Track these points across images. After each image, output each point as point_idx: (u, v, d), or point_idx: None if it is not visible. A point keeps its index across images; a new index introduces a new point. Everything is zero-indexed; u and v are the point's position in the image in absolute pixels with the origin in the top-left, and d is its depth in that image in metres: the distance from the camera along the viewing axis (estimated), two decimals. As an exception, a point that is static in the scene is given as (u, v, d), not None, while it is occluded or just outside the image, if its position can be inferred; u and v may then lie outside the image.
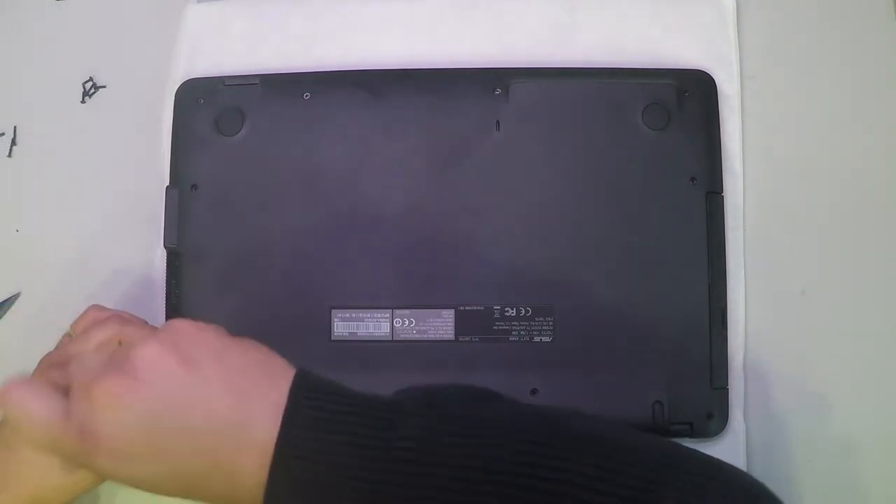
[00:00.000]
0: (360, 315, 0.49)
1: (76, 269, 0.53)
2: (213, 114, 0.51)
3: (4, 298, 0.53)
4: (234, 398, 0.35)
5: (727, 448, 0.48)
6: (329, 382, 0.36)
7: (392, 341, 0.49)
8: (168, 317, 0.50)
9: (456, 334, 0.49)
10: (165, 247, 0.50)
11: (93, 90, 0.55)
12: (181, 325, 0.37)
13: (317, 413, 0.35)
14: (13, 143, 0.55)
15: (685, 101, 0.50)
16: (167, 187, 0.51)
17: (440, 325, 0.49)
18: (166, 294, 0.50)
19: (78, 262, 0.53)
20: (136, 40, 0.55)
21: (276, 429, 0.34)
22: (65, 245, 0.53)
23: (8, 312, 0.53)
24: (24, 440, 0.37)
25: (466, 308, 0.49)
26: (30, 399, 0.35)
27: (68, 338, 0.45)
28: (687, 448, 0.37)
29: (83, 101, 0.55)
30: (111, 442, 0.34)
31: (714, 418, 0.48)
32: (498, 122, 0.50)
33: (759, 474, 0.48)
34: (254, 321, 0.49)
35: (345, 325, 0.49)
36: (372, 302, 0.49)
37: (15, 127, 0.55)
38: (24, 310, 0.53)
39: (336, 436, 0.34)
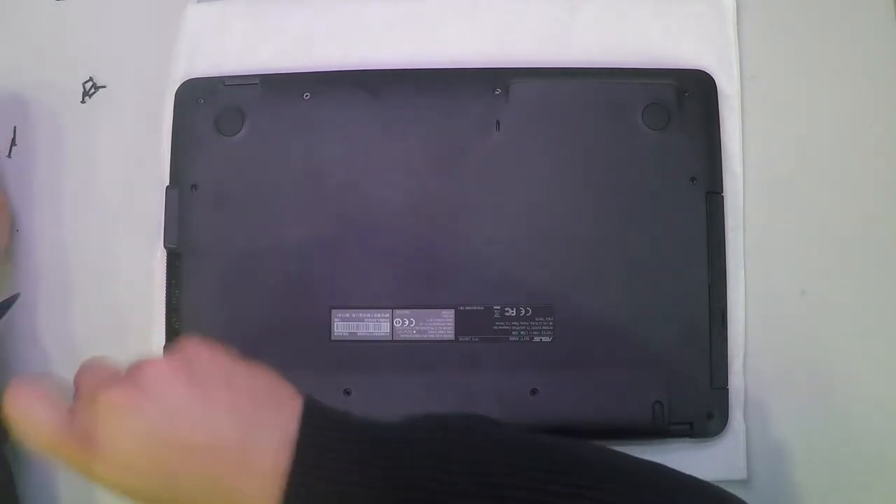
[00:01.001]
0: (360, 315, 0.49)
1: (76, 269, 0.53)
2: (213, 114, 0.51)
3: (4, 298, 0.53)
4: (239, 422, 0.35)
5: (727, 448, 0.48)
6: (337, 411, 0.36)
7: (392, 341, 0.49)
8: (168, 317, 0.50)
9: (456, 334, 0.49)
10: (165, 247, 0.50)
11: (93, 90, 0.55)
12: (194, 346, 0.37)
13: (328, 444, 0.35)
14: (13, 143, 0.55)
15: (685, 101, 0.50)
16: (167, 187, 0.51)
17: (440, 325, 0.49)
18: (166, 294, 0.50)
19: (78, 262, 0.53)
20: (136, 40, 0.55)
21: (281, 455, 0.34)
22: (65, 245, 0.53)
23: (8, 312, 0.53)
24: (29, 445, 0.37)
25: (466, 308, 0.49)
26: (34, 403, 0.35)
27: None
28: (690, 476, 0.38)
29: (83, 101, 0.55)
30: (110, 451, 0.34)
31: (714, 418, 0.48)
32: (498, 122, 0.50)
33: (759, 474, 0.49)
34: (254, 321, 0.49)
35: (345, 325, 0.49)
36: (372, 302, 0.49)
37: (15, 127, 0.55)
38: (24, 310, 0.53)
39: (347, 471, 0.34)
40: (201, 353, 0.36)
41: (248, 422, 0.35)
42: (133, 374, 0.36)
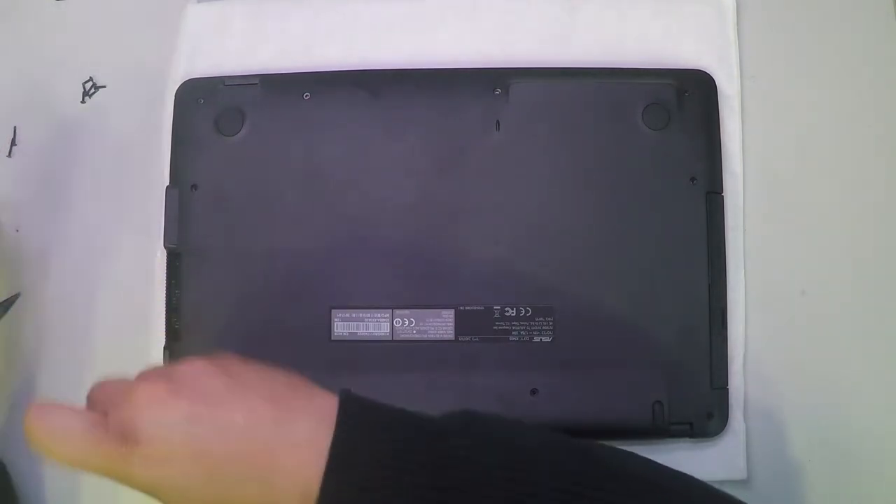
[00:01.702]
0: (360, 315, 0.49)
1: (76, 269, 0.53)
2: (213, 114, 0.51)
3: (4, 298, 0.53)
4: (276, 402, 0.35)
5: (727, 448, 0.48)
6: (372, 400, 0.37)
7: (392, 341, 0.49)
8: (168, 317, 0.50)
9: (456, 334, 0.49)
10: (165, 247, 0.50)
11: (93, 90, 0.55)
12: (228, 355, 0.38)
13: (369, 416, 0.35)
14: (13, 143, 0.55)
15: (685, 101, 0.50)
16: (167, 187, 0.51)
17: (440, 325, 0.49)
18: (166, 294, 0.50)
19: (78, 262, 0.53)
20: (136, 40, 0.55)
21: (320, 433, 0.34)
22: (65, 245, 0.53)
23: (8, 312, 0.53)
24: (57, 459, 0.37)
25: (466, 308, 0.49)
26: (59, 415, 0.35)
27: None
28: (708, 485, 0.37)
29: (83, 101, 0.55)
30: (151, 444, 0.34)
31: (714, 418, 0.48)
32: (498, 122, 0.50)
33: (759, 474, 0.48)
34: (254, 321, 0.49)
35: (345, 325, 0.49)
36: (372, 302, 0.49)
37: (15, 127, 0.55)
38: (24, 310, 0.53)
39: (388, 442, 0.34)
40: (233, 357, 0.37)
41: (285, 402, 0.35)
42: (166, 371, 0.36)
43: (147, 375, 0.36)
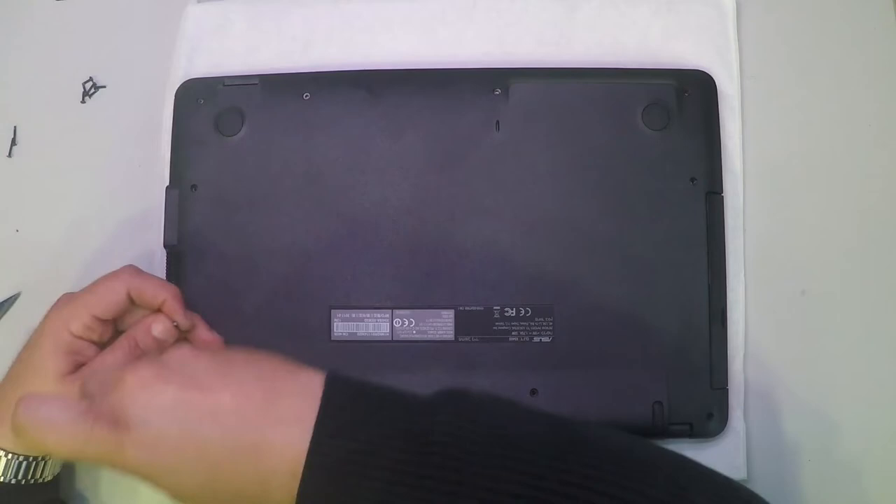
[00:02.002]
0: (360, 315, 0.49)
1: (76, 269, 0.53)
2: (213, 114, 0.51)
3: (4, 298, 0.53)
4: (263, 382, 0.36)
5: (727, 448, 0.48)
6: (358, 378, 0.37)
7: (392, 341, 0.49)
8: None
9: (456, 334, 0.49)
10: (165, 247, 0.50)
11: (93, 90, 0.55)
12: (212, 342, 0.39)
13: (353, 392, 0.36)
14: (13, 143, 0.55)
15: (685, 101, 0.50)
16: (167, 187, 0.51)
17: (440, 325, 0.49)
18: (166, 294, 0.50)
19: (78, 263, 0.53)
20: (136, 40, 0.55)
21: (306, 410, 0.34)
22: (65, 245, 0.53)
23: (8, 312, 0.53)
24: (49, 450, 0.37)
25: (466, 308, 0.49)
26: (49, 404, 0.36)
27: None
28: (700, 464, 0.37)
29: (83, 101, 0.55)
30: (143, 426, 0.34)
31: (714, 418, 0.48)
32: (497, 122, 0.50)
33: (759, 474, 0.48)
34: (254, 321, 0.49)
35: (345, 326, 0.49)
36: (372, 302, 0.49)
37: (15, 127, 0.55)
38: (24, 310, 0.53)
39: (373, 417, 0.35)
40: (220, 343, 0.39)
41: (272, 381, 0.36)
42: (154, 357, 0.37)
43: (136, 363, 0.36)
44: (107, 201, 0.54)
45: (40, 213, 0.54)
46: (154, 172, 0.52)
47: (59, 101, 0.55)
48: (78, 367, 0.45)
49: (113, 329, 0.46)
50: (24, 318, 0.52)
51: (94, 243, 0.53)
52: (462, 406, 0.37)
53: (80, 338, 0.45)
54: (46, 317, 0.45)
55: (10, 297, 0.53)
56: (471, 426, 0.35)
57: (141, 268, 0.47)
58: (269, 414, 0.35)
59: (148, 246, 0.52)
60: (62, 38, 0.56)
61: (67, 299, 0.46)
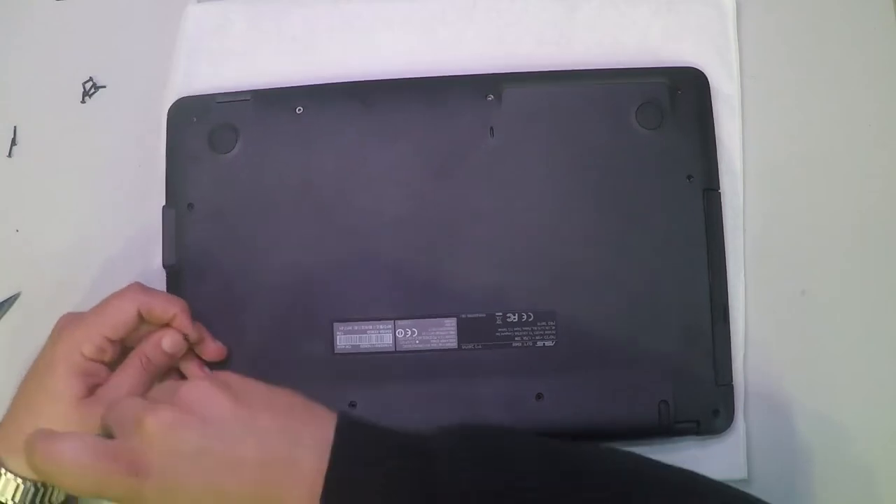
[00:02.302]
0: (363, 327, 0.49)
1: (76, 269, 0.53)
2: (206, 132, 0.51)
3: (4, 298, 0.53)
4: (284, 434, 0.35)
5: (728, 446, 0.48)
6: (369, 422, 0.37)
7: (395, 352, 0.49)
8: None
9: (459, 342, 0.49)
10: (164, 267, 0.50)
11: (93, 90, 0.55)
12: (227, 373, 0.38)
13: (361, 449, 0.36)
14: (13, 143, 0.55)
15: (678, 98, 0.50)
16: (163, 207, 0.51)
17: (443, 334, 0.49)
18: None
19: (78, 263, 0.53)
20: (136, 40, 0.55)
21: (323, 464, 0.34)
22: (65, 245, 0.53)
23: (8, 312, 0.53)
24: (66, 489, 0.37)
25: (468, 316, 0.49)
26: (70, 443, 0.35)
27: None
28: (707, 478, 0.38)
29: (83, 101, 0.55)
30: (162, 474, 0.34)
31: (720, 415, 0.48)
32: (492, 128, 0.50)
33: (759, 473, 0.49)
34: (256, 338, 0.49)
35: (347, 338, 0.49)
36: (373, 314, 0.49)
37: (15, 127, 0.55)
38: (24, 310, 0.53)
39: (378, 473, 0.35)
40: (235, 376, 0.38)
41: (291, 432, 0.35)
42: (174, 396, 0.36)
43: (153, 404, 0.36)
44: (107, 201, 0.54)
45: (40, 213, 0.54)
46: (154, 173, 0.52)
47: (59, 101, 0.55)
48: (93, 388, 0.44)
49: (121, 347, 0.46)
50: (24, 318, 0.53)
51: (94, 243, 0.53)
52: (466, 449, 0.36)
53: (93, 360, 0.44)
54: (55, 340, 0.45)
55: (10, 297, 0.53)
56: (474, 472, 0.35)
57: (142, 266, 0.47)
58: (289, 469, 0.35)
59: (147, 245, 0.52)
60: (62, 38, 0.56)
61: (76, 321, 0.45)
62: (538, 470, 0.36)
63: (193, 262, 0.50)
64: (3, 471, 0.42)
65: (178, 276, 0.50)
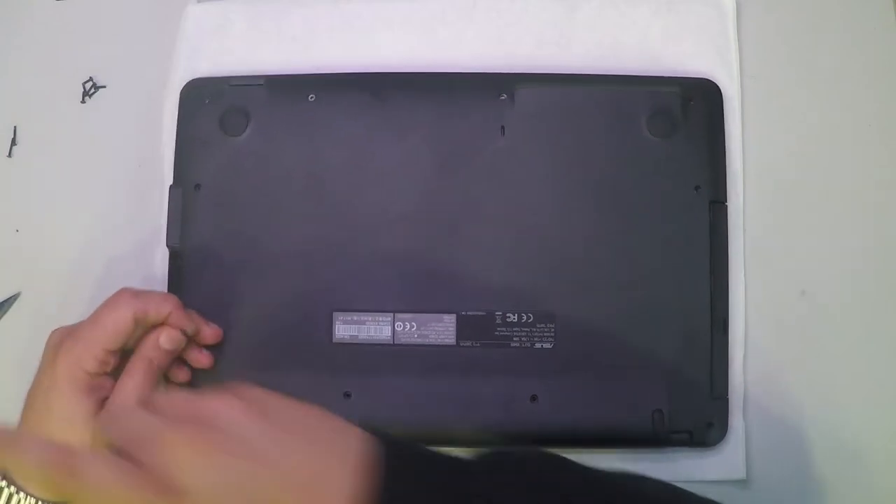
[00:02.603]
0: (362, 318, 0.49)
1: (76, 269, 0.53)
2: (218, 114, 0.51)
3: (4, 298, 0.53)
4: (315, 450, 0.35)
5: (728, 453, 0.48)
6: (399, 438, 0.37)
7: (393, 345, 0.49)
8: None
9: (457, 339, 0.49)
10: (168, 246, 0.50)
11: (93, 90, 0.55)
12: (251, 388, 0.37)
13: (401, 463, 0.35)
14: (13, 143, 0.55)
15: (690, 109, 0.50)
16: (170, 186, 0.51)
17: (441, 329, 0.49)
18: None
19: (78, 262, 0.53)
20: (136, 40, 0.55)
21: (356, 481, 0.34)
22: (65, 245, 0.53)
23: (8, 312, 0.53)
24: None
25: (468, 313, 0.49)
26: (99, 467, 0.34)
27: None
28: None
29: (83, 101, 0.55)
30: (198, 494, 0.33)
31: (714, 427, 0.48)
32: (503, 127, 0.50)
33: (759, 474, 0.48)
34: (255, 323, 0.49)
35: (346, 328, 0.49)
36: (374, 305, 0.49)
37: (15, 127, 0.55)
38: (24, 310, 0.53)
39: (421, 485, 0.35)
40: (260, 391, 0.37)
41: (322, 449, 0.35)
42: (202, 414, 0.35)
43: (174, 422, 0.35)
44: (107, 201, 0.54)
45: (40, 213, 0.54)
46: (154, 173, 0.52)
47: (59, 101, 0.55)
48: (101, 402, 0.44)
49: (120, 354, 0.46)
50: (24, 318, 0.53)
51: (94, 243, 0.53)
52: (504, 480, 0.36)
53: (97, 374, 0.44)
54: (54, 359, 0.44)
55: (10, 297, 0.53)
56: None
57: (142, 266, 0.47)
58: (324, 490, 0.34)
59: (148, 246, 0.52)
60: (62, 38, 0.56)
61: (72, 337, 0.44)
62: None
63: (197, 243, 0.50)
64: (23, 495, 0.41)
65: (180, 257, 0.50)
